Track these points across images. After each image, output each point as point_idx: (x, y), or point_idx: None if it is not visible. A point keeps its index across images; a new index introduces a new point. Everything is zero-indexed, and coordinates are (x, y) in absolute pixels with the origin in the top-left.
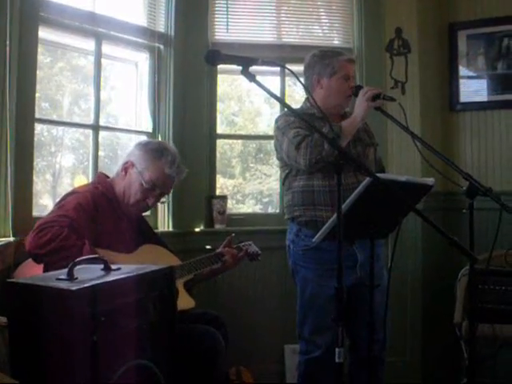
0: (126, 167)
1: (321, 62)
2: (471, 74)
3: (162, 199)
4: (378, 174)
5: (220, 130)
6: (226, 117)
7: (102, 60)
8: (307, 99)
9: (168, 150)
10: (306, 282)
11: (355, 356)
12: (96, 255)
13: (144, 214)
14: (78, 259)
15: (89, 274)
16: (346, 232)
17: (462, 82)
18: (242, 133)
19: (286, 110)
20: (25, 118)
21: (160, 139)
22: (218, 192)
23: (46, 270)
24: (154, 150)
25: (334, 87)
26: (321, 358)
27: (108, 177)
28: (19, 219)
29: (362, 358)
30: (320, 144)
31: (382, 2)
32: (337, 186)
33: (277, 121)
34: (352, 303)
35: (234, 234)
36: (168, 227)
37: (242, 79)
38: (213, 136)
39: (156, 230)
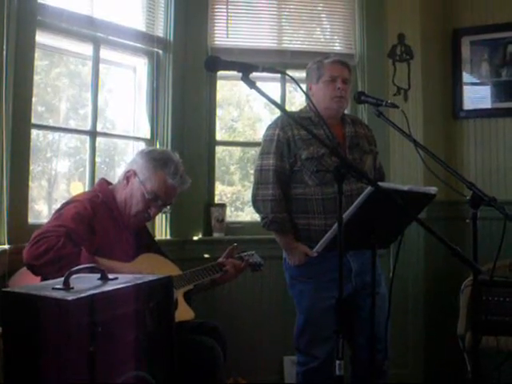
0: (128, 176)
1: (311, 69)
2: (475, 80)
3: (165, 209)
4: (380, 183)
5: (219, 136)
6: (225, 123)
7: (100, 65)
8: (308, 104)
9: (171, 159)
10: (302, 295)
11: (356, 367)
12: (93, 264)
13: None
14: (74, 268)
15: (85, 284)
16: (346, 242)
17: (465, 88)
18: (242, 139)
19: (279, 115)
20: (21, 123)
21: (158, 146)
22: (216, 199)
23: (43, 277)
24: (157, 160)
25: (320, 90)
26: (318, 369)
27: (110, 183)
28: (14, 226)
29: (363, 369)
30: (277, 206)
31: (385, 8)
32: (338, 195)
33: (267, 129)
34: (349, 313)
35: (236, 244)
36: (166, 235)
37: (241, 85)
38: (212, 143)
39: (154, 239)
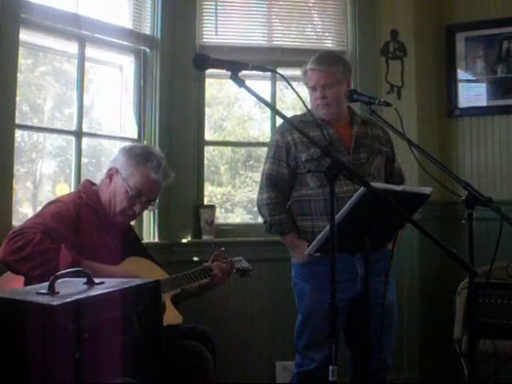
0: (111, 174)
1: (301, 73)
2: (470, 78)
3: (150, 206)
4: (373, 184)
5: (208, 135)
6: (214, 122)
7: (86, 63)
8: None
9: (153, 154)
10: (302, 295)
11: (355, 371)
12: (76, 264)
13: (130, 223)
14: (59, 272)
15: (71, 288)
16: (340, 244)
17: (460, 86)
18: (231, 138)
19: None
20: (5, 124)
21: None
22: (206, 200)
23: (27, 281)
24: (138, 155)
25: (310, 98)
26: (314, 372)
27: (94, 184)
28: None
29: (361, 375)
30: (273, 209)
31: (377, 4)
32: (329, 196)
33: (275, 133)
34: (353, 316)
35: (223, 249)
36: (154, 238)
37: (231, 82)
38: (200, 142)
39: (141, 241)
